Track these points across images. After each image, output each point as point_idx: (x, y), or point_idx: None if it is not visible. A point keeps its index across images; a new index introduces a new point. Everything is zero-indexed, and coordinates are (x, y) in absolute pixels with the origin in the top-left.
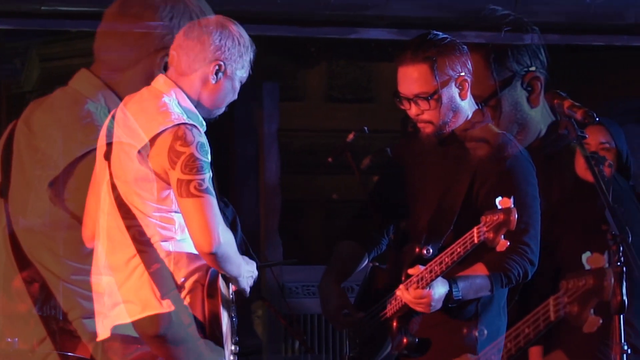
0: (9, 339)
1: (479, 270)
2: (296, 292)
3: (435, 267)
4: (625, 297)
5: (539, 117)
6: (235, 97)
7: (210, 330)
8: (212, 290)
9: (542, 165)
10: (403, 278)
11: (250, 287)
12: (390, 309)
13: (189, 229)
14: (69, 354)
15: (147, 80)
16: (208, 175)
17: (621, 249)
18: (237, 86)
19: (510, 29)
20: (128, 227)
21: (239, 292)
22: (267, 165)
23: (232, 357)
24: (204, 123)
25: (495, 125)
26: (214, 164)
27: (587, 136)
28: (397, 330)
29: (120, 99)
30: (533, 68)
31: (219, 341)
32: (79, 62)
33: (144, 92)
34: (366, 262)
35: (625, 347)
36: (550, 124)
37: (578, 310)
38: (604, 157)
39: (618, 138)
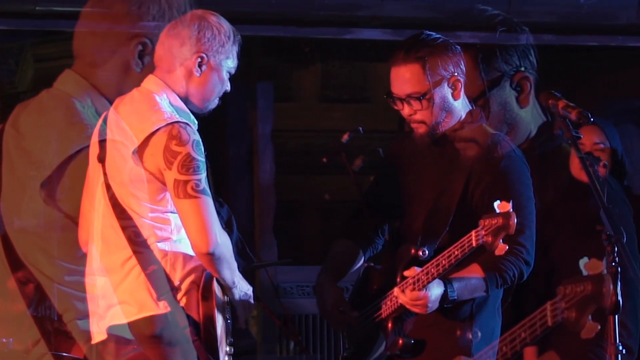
0: (4, 340)
1: (474, 270)
2: (291, 292)
3: (432, 269)
4: (619, 298)
5: (529, 117)
6: (226, 88)
7: (204, 333)
8: (206, 292)
9: (536, 165)
10: (398, 279)
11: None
12: (385, 309)
13: (186, 229)
14: (64, 354)
15: (125, 71)
16: (204, 175)
17: (616, 249)
18: (225, 77)
19: (505, 29)
20: (124, 229)
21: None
22: (262, 166)
23: (226, 358)
24: (196, 121)
25: None
26: (208, 165)
27: (581, 136)
28: (392, 331)
29: (102, 95)
30: (522, 68)
31: (213, 343)
32: (73, 63)
33: (134, 93)
34: (362, 261)
35: (620, 348)
36: (541, 124)
37: (576, 316)
38: (598, 157)
39: (613, 138)
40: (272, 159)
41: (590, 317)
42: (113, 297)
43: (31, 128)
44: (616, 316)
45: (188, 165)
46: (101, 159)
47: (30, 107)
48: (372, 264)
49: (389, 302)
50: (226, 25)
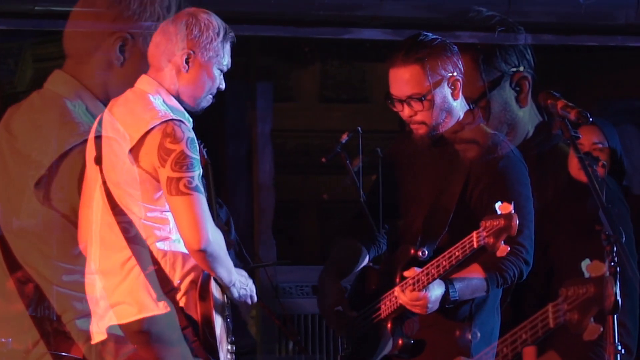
0: (3, 339)
1: (475, 270)
2: (290, 292)
3: (432, 270)
4: (619, 298)
5: (527, 118)
6: (220, 86)
7: (203, 333)
8: (203, 292)
9: (534, 165)
10: (397, 279)
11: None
12: (385, 310)
13: (179, 226)
14: (64, 354)
15: (108, 67)
16: (197, 172)
17: (615, 249)
18: (215, 74)
19: (504, 30)
20: (122, 229)
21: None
22: (261, 166)
23: (229, 356)
24: (191, 119)
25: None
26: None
27: (580, 136)
28: (392, 332)
29: (90, 92)
30: (521, 68)
31: (212, 343)
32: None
33: (128, 94)
34: (366, 261)
35: (619, 348)
36: (538, 124)
37: (579, 318)
38: (597, 157)
39: (611, 138)
40: (272, 159)
41: (592, 319)
42: (113, 298)
43: (23, 129)
44: (615, 316)
45: (181, 162)
46: (98, 160)
47: (22, 108)
48: (371, 264)
49: (388, 302)
50: (216, 22)
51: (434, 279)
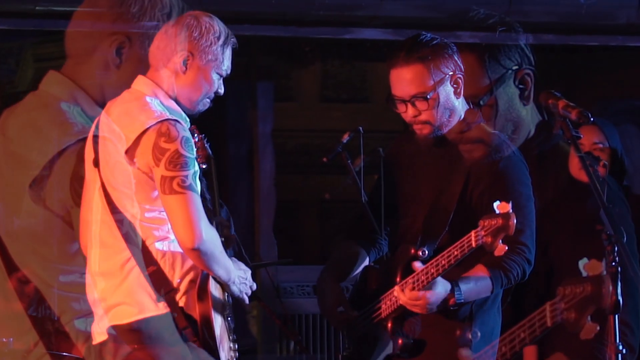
0: (4, 339)
1: (480, 271)
2: (291, 292)
3: (432, 269)
4: (620, 297)
5: (529, 116)
6: (218, 90)
7: (202, 333)
8: (201, 292)
9: (534, 165)
10: (398, 279)
11: (249, 296)
12: (385, 309)
13: (172, 225)
14: (64, 354)
15: (105, 68)
16: (192, 171)
17: (616, 249)
18: (213, 78)
19: (505, 29)
20: (121, 231)
21: (237, 299)
22: (262, 166)
23: (231, 354)
24: (188, 120)
25: (492, 125)
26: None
27: (581, 136)
28: (392, 331)
29: (87, 93)
30: (524, 65)
31: (212, 343)
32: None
33: (125, 95)
34: (366, 263)
35: (621, 347)
36: (538, 123)
37: (575, 316)
38: (598, 157)
39: (612, 138)
40: (272, 158)
41: (589, 318)
42: (113, 299)
43: (18, 131)
44: (616, 316)
45: (175, 161)
46: (96, 163)
47: (17, 110)
48: (372, 264)
49: (388, 302)
50: (218, 26)
51: (433, 278)
